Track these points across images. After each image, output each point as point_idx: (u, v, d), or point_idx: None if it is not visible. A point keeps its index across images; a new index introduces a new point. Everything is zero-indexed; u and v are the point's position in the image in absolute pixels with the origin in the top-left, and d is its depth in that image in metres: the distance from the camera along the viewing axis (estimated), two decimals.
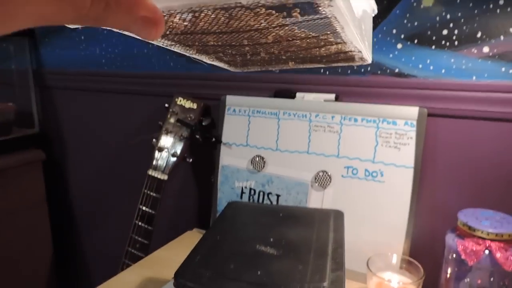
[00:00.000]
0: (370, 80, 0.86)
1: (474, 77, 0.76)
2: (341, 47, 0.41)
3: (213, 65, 0.52)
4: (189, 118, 1.04)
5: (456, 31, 0.76)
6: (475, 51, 0.75)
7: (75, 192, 1.54)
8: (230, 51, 0.43)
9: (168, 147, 1.06)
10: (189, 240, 1.02)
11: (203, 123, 1.06)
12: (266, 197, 0.95)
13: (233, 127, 1.00)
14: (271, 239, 0.60)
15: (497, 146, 0.77)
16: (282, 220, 0.67)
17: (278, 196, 0.93)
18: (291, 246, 0.58)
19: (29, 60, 1.53)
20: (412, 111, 0.80)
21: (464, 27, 0.76)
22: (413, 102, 0.82)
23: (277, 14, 0.29)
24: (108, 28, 0.20)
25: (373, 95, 0.86)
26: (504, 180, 0.77)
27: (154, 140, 1.07)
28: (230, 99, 1.01)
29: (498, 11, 0.72)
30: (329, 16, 0.28)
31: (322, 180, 0.88)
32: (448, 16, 0.77)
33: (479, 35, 0.75)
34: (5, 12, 0.15)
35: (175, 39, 0.38)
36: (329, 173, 0.88)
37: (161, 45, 0.42)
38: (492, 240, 0.62)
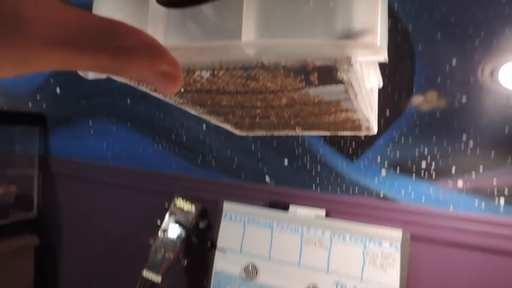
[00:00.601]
0: (357, 201, 0.94)
1: (451, 207, 0.84)
2: (350, 115, 0.41)
3: (218, 124, 0.52)
4: (186, 220, 1.10)
5: (433, 164, 0.86)
6: (451, 184, 0.84)
7: (64, 281, 1.53)
8: (240, 112, 0.43)
9: (164, 247, 1.09)
10: None
11: (200, 226, 1.11)
12: None
13: (228, 233, 1.05)
14: None
15: (476, 275, 0.82)
16: None
17: None
18: None
19: (37, 146, 1.61)
20: (396, 234, 0.86)
21: (440, 162, 0.85)
22: (397, 225, 0.88)
23: (295, 77, 0.29)
24: (129, 79, 0.21)
25: (360, 215, 0.93)
26: None
27: (150, 239, 1.11)
28: (228, 206, 1.07)
29: (468, 151, 0.82)
30: (345, 81, 0.29)
31: None
32: (426, 151, 0.86)
33: (453, 170, 0.84)
34: (28, 56, 0.16)
35: (189, 97, 0.38)
36: None
37: (173, 103, 0.43)
38: None
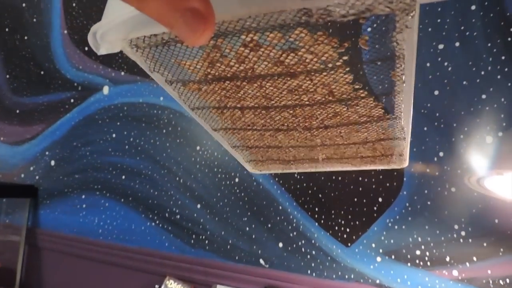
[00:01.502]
0: (353, 287, 0.93)
1: None
2: (385, 127, 0.35)
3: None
4: None
5: (427, 253, 0.86)
6: (446, 273, 0.84)
7: None
8: (263, 120, 0.37)
9: None
10: None
11: None
12: None
13: None
14: None
15: None
16: None
17: None
18: None
19: (26, 218, 1.58)
20: None
21: (434, 250, 0.86)
22: None
23: (340, 42, 0.25)
24: (150, 16, 0.17)
25: None
26: None
27: None
28: None
29: (461, 240, 0.84)
30: (398, 51, 0.25)
31: None
32: (419, 239, 0.87)
33: (448, 259, 0.84)
34: None
35: (209, 90, 0.33)
36: None
37: (187, 107, 0.36)
38: None
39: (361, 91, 0.30)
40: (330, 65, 0.27)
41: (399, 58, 0.26)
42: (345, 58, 0.27)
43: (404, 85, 0.29)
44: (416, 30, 0.23)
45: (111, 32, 0.26)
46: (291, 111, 0.34)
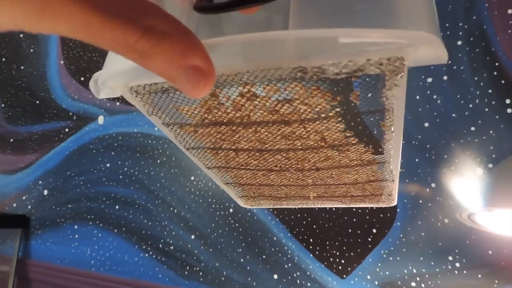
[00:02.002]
0: None
1: None
2: (375, 169, 0.37)
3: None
4: None
5: (422, 285, 0.86)
6: None
7: None
8: (257, 161, 0.38)
9: None
10: None
11: None
12: None
13: None
14: None
15: None
16: None
17: None
18: None
19: (17, 249, 1.55)
20: None
21: (429, 282, 0.86)
22: None
23: (333, 96, 0.26)
24: (152, 71, 0.18)
25: None
26: None
27: None
28: None
29: (456, 272, 0.84)
30: (387, 105, 0.26)
31: None
32: (414, 270, 0.87)
33: None
34: (53, 11, 0.15)
35: (205, 132, 0.33)
36: None
37: (182, 146, 0.37)
38: None
39: (352, 138, 0.32)
40: (323, 115, 0.28)
41: (388, 111, 0.27)
42: (337, 109, 0.28)
43: (393, 134, 0.30)
44: (404, 87, 0.24)
45: (112, 80, 0.28)
46: (284, 154, 0.35)
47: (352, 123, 0.30)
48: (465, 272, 0.83)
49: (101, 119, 1.42)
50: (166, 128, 0.35)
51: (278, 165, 0.38)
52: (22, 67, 1.68)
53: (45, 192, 1.52)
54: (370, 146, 0.32)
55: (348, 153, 0.34)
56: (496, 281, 0.80)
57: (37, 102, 1.61)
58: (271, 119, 0.29)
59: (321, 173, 0.38)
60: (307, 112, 0.28)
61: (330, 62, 0.22)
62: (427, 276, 0.86)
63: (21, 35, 1.70)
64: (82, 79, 1.49)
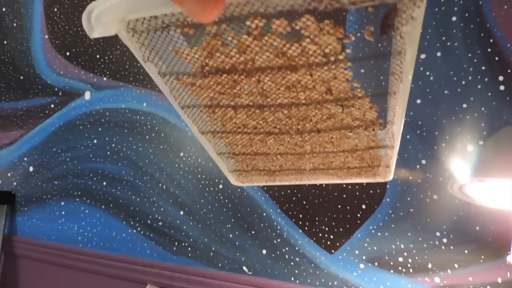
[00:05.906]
0: None
1: None
2: (376, 135, 0.36)
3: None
4: None
5: (410, 260, 0.87)
6: (428, 280, 0.85)
7: None
8: (255, 122, 0.37)
9: None
10: None
11: None
12: None
13: None
14: None
15: None
16: None
17: None
18: None
19: (3, 226, 1.52)
20: None
21: (416, 257, 0.86)
22: None
23: (345, 33, 0.26)
24: None
25: None
26: None
27: None
28: None
29: (443, 247, 0.84)
30: (400, 44, 0.25)
31: None
32: (402, 246, 0.88)
33: (430, 266, 0.85)
34: None
35: (204, 84, 0.32)
36: None
37: (177, 104, 0.35)
38: None
39: (359, 90, 0.30)
40: (332, 58, 0.27)
41: (400, 54, 0.26)
42: (348, 50, 0.26)
43: (401, 84, 0.29)
44: (420, 23, 0.23)
45: (108, 12, 0.25)
46: (286, 111, 0.34)
47: (362, 70, 0.29)
48: (452, 247, 0.84)
49: (87, 95, 1.38)
50: (162, 80, 0.32)
51: (278, 126, 0.36)
52: (5, 42, 1.63)
53: (31, 168, 1.49)
54: (375, 101, 0.31)
55: (352, 109, 0.32)
56: (482, 257, 0.81)
57: (21, 77, 1.56)
58: (277, 64, 0.27)
59: (321, 136, 0.36)
60: (316, 54, 0.27)
61: None
62: (414, 251, 0.87)
63: (4, 9, 1.63)
64: (67, 53, 1.45)
